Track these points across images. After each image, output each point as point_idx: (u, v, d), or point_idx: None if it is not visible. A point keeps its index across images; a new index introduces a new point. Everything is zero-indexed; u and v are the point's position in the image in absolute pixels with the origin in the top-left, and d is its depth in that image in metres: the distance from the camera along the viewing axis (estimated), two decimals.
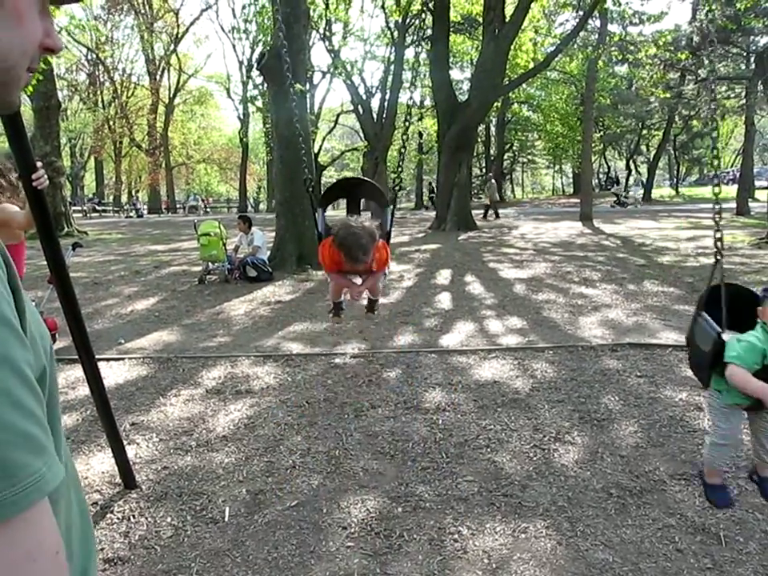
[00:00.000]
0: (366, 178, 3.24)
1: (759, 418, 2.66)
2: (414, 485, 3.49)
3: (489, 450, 3.91)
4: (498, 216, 23.84)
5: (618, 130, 38.80)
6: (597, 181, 45.40)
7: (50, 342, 0.76)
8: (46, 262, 3.09)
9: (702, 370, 2.71)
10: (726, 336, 2.48)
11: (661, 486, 3.43)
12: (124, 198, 46.61)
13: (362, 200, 4.24)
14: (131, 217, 35.78)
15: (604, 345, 6.09)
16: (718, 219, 2.69)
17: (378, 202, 3.84)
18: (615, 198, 31.01)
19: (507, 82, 20.10)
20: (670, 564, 2.76)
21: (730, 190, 24.50)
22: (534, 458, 3.79)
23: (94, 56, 40.68)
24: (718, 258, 2.61)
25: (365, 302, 4.60)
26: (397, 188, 3.89)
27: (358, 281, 3.97)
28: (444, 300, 8.63)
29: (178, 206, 43.66)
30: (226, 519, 3.19)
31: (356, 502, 3.33)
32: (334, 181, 3.40)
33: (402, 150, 3.91)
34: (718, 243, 2.59)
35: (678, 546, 2.88)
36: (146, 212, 39.38)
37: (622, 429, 4.18)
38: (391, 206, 3.66)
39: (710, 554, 2.82)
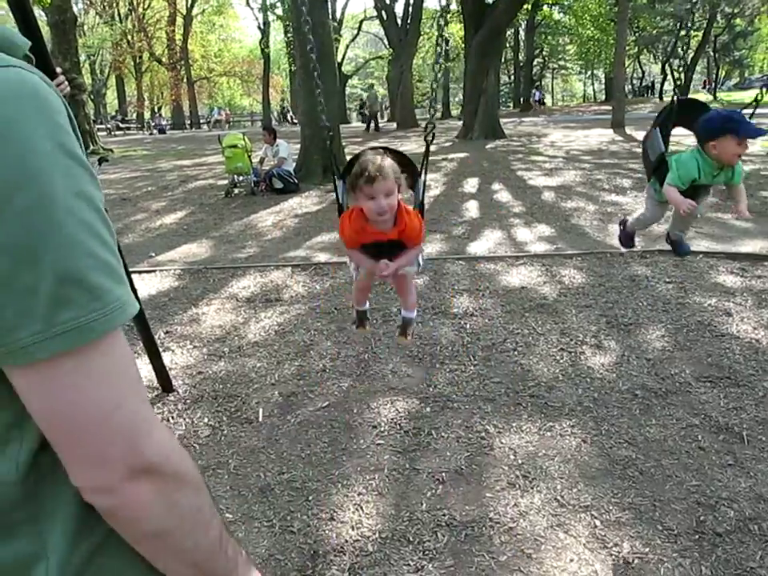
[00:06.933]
0: (389, 148, 2.76)
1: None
2: (442, 386, 3.57)
3: (516, 353, 3.96)
4: (378, 129, 25.09)
5: (654, 32, 36.87)
6: (630, 87, 43.66)
7: None
8: None
9: (647, 170, 3.63)
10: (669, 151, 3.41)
11: (686, 387, 3.46)
12: (147, 115, 46.04)
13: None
14: (153, 133, 35.46)
15: (633, 251, 6.01)
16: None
17: (408, 173, 3.29)
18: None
19: None
20: (692, 461, 2.82)
21: None
22: (561, 361, 3.83)
23: None
24: (674, 99, 3.41)
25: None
26: (432, 120, 3.26)
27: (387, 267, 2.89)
28: (472, 208, 8.55)
29: (201, 120, 43.09)
30: (260, 419, 3.32)
31: (385, 402, 3.42)
32: (356, 154, 2.76)
33: (438, 75, 3.21)
34: (677, 90, 3.45)
35: (701, 444, 2.93)
36: (168, 128, 38.81)
37: (649, 333, 4.19)
38: (423, 177, 3.21)
39: (732, 452, 2.86)
